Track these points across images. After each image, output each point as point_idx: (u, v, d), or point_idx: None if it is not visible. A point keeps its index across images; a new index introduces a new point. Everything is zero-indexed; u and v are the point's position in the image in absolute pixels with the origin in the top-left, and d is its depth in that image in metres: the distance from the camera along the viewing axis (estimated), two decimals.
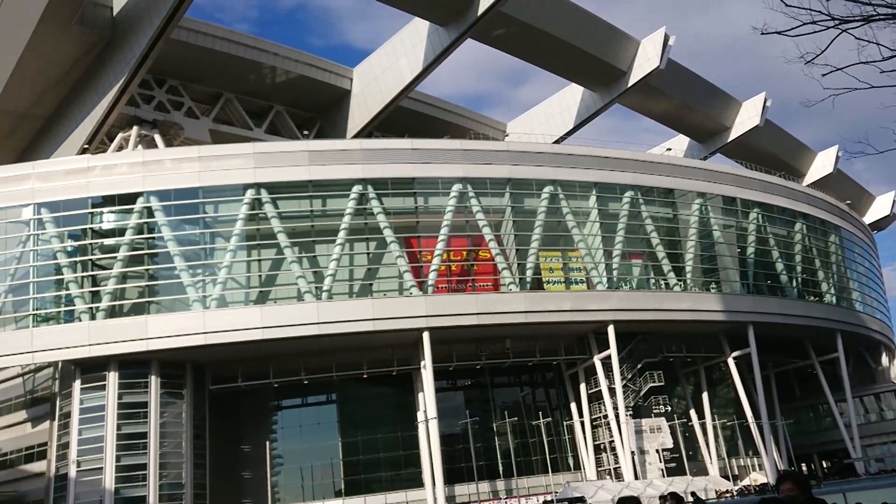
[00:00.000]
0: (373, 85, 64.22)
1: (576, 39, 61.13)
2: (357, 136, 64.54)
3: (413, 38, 59.82)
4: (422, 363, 47.91)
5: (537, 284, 52.03)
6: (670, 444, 54.60)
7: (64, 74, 56.98)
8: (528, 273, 51.08)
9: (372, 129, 66.64)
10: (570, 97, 72.61)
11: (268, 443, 52.84)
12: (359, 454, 52.24)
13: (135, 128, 58.17)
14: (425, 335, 46.84)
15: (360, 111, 65.61)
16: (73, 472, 44.77)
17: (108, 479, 44.22)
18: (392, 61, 61.96)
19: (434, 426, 46.12)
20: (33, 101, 59.29)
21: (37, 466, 51.06)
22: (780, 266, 62.38)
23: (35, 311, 45.69)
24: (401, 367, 50.78)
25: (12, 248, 46.51)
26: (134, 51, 51.11)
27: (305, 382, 50.62)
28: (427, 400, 47.48)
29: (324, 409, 55.19)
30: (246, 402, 52.49)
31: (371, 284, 48.79)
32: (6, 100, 57.33)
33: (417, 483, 49.52)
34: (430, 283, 48.28)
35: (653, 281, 56.63)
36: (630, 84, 66.70)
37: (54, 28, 51.40)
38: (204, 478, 48.19)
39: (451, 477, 48.77)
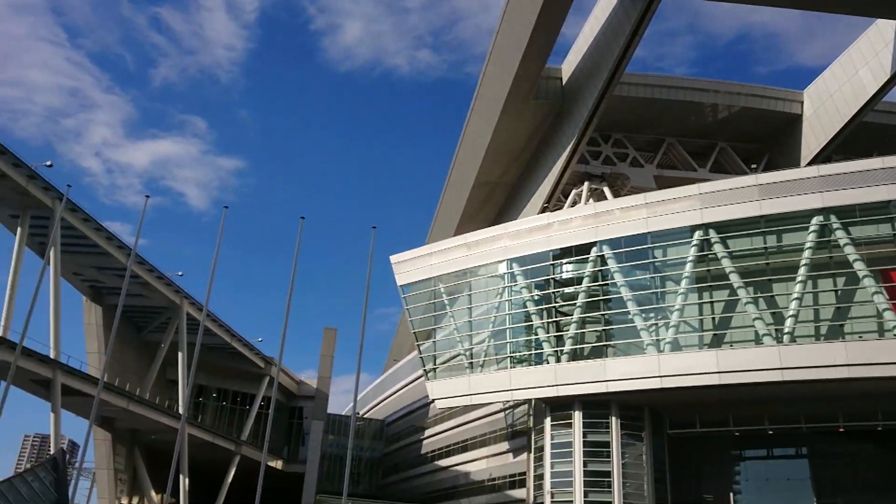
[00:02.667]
0: (828, 104, 58.22)
1: None
2: (812, 162, 58.90)
3: (876, 44, 52.67)
4: None
5: None
6: None
7: (525, 145, 65.25)
8: None
9: (829, 153, 60.13)
10: None
11: (731, 494, 50.21)
12: None
13: (585, 183, 62.99)
14: None
15: (815, 135, 59.91)
16: (548, 502, 49.02)
17: None
18: (850, 75, 55.43)
19: None
20: (502, 172, 69.10)
21: (518, 493, 57.20)
22: None
23: (511, 354, 51.92)
24: (887, 423, 43.54)
25: (492, 299, 53.97)
26: (582, 113, 55.77)
27: (770, 433, 46.95)
28: None
29: (793, 463, 50.22)
30: (705, 448, 50.90)
31: (842, 325, 43.25)
32: (482, 173, 68.05)
33: None
34: None
35: None
36: None
37: (516, 105, 59.40)
38: None
39: None
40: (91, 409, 27.01)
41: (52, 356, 44.33)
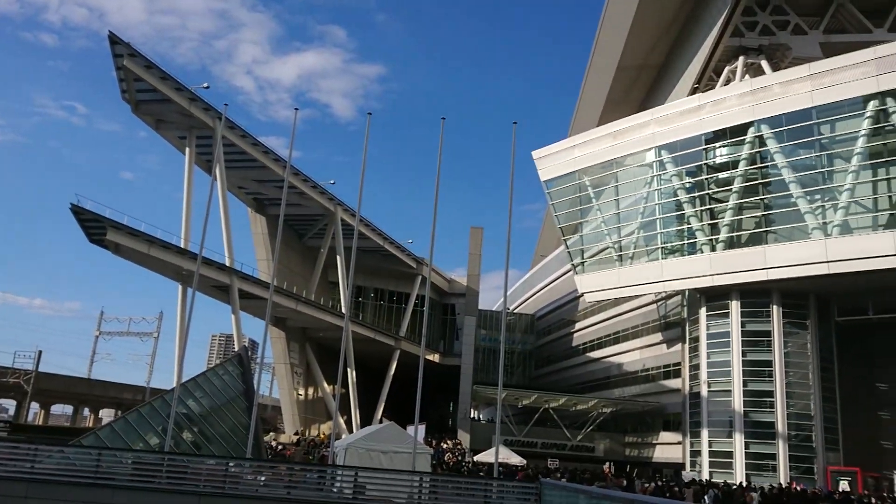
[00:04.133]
0: None
1: None
2: None
3: None
4: None
5: None
6: None
7: (671, 21, 60.64)
8: None
9: None
10: None
11: None
12: None
13: (741, 58, 57.86)
14: None
15: None
16: (704, 391, 48.56)
17: (737, 402, 46.48)
18: None
19: None
20: (647, 52, 64.96)
21: (673, 383, 57.04)
22: None
23: (662, 245, 50.51)
24: None
25: (640, 189, 52.23)
26: None
27: None
28: None
29: None
30: (879, 337, 47.83)
31: None
32: (626, 55, 64.36)
33: None
34: None
35: None
36: None
37: None
38: (834, 412, 46.28)
39: None
40: (266, 311, 29.59)
41: (227, 264, 48.64)
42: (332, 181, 61.35)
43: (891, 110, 41.23)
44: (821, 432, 45.24)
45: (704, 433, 48.11)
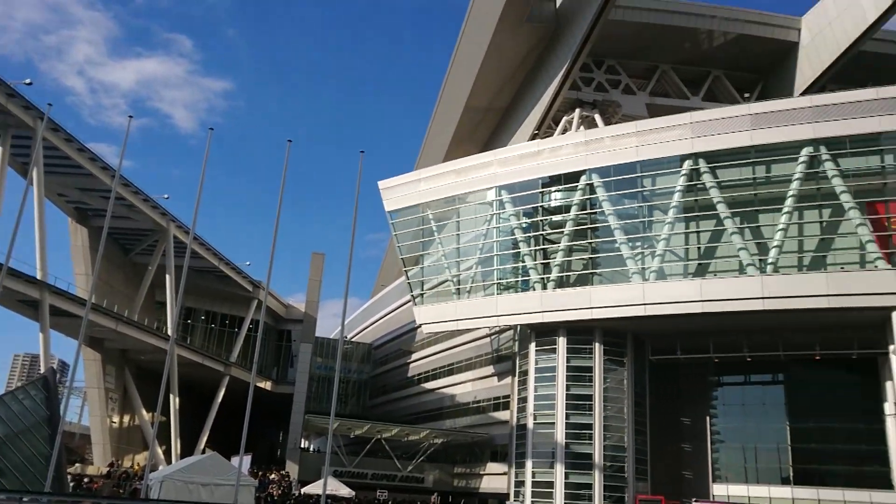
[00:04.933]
0: (826, 32, 57.17)
1: None
2: (806, 92, 58.31)
3: None
4: (890, 347, 41.46)
5: None
6: None
7: (517, 69, 63.98)
8: None
9: (824, 83, 59.44)
10: None
11: (707, 418, 52.00)
12: (811, 442, 47.81)
13: (577, 110, 62.16)
14: (894, 315, 40.36)
15: (811, 64, 59.09)
16: (530, 424, 50.54)
17: (560, 434, 48.77)
18: (850, 1, 54.22)
19: None
20: (493, 96, 67.97)
21: (502, 415, 58.90)
22: None
23: (498, 281, 52.40)
24: (862, 351, 44.70)
25: (480, 226, 54.03)
26: (576, 37, 54.57)
27: (749, 360, 48.22)
28: None
29: (769, 389, 51.79)
30: (686, 374, 52.38)
31: (825, 256, 43.79)
32: (473, 98, 66.91)
33: (885, 484, 43.19)
34: None
35: None
36: None
37: (509, 28, 57.98)
38: (644, 444, 49.79)
39: None
40: (80, 330, 27.18)
41: (39, 277, 44.32)
42: (165, 196, 58.06)
43: (702, 170, 45.83)
44: (632, 463, 48.48)
45: (529, 464, 49.95)
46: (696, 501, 46.07)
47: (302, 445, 70.75)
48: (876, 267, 41.35)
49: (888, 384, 43.28)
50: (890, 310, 40.56)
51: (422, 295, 56.74)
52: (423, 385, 75.14)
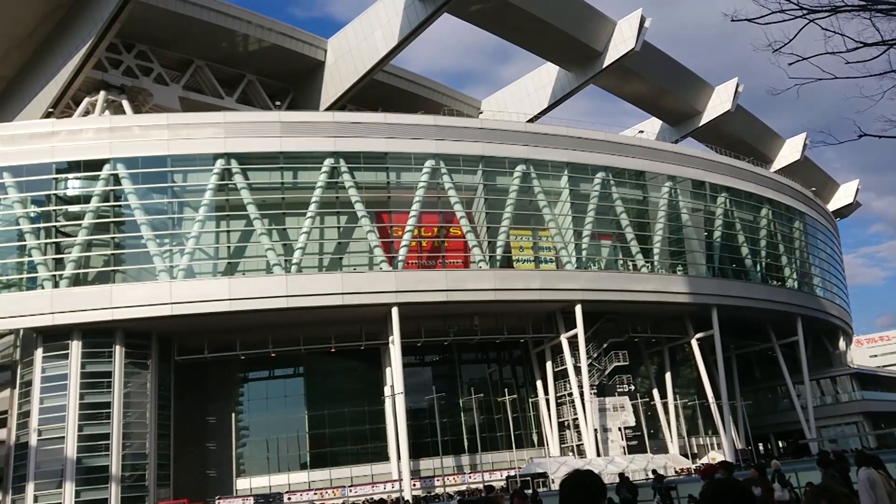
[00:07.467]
0: (347, 57, 63.47)
1: (552, 17, 60.88)
2: (330, 108, 63.85)
3: (389, 10, 59.09)
4: (390, 338, 48.09)
5: (507, 262, 52.31)
6: (633, 423, 55.72)
7: (29, 34, 55.39)
8: (499, 251, 51.34)
9: (345, 102, 65.97)
10: (545, 76, 72.51)
11: (234, 414, 52.88)
12: (325, 427, 52.53)
13: (102, 92, 56.89)
14: (394, 310, 46.93)
15: (334, 83, 64.87)
16: (34, 440, 44.26)
17: (70, 448, 43.85)
18: (367, 33, 61.21)
19: (401, 401, 46.43)
20: None
21: None
22: (745, 250, 63.42)
23: None
24: (369, 342, 50.90)
25: None
26: (102, 12, 49.82)
27: (273, 355, 50.60)
28: (394, 375, 47.74)
29: (291, 382, 55.23)
30: (213, 373, 52.27)
31: (341, 258, 48.67)
32: None
33: (383, 457, 49.95)
34: (400, 258, 48.34)
35: (621, 262, 57.25)
36: (605, 65, 66.70)
37: None
38: (168, 448, 48.02)
39: (417, 451, 49.25)
40: None
41: None
42: None
43: (234, 171, 46.47)
44: (154, 470, 46.27)
45: (30, 487, 43.68)
46: (219, 499, 46.37)
47: None
48: (381, 269, 47.55)
49: (388, 370, 50.12)
50: (390, 306, 47.01)
51: None
52: None
